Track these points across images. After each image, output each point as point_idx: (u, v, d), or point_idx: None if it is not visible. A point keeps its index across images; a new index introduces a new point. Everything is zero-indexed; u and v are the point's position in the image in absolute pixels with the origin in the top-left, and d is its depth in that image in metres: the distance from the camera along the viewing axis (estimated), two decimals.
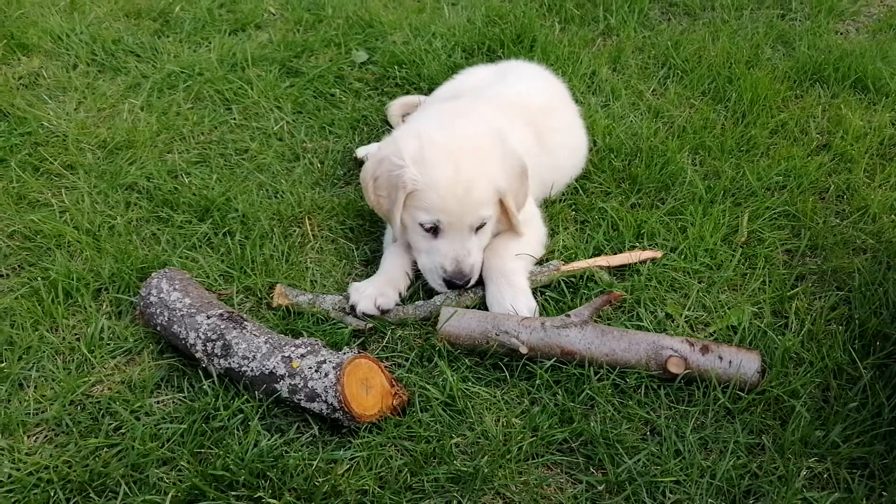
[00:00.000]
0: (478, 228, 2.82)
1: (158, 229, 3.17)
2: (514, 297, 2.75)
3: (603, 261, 2.95)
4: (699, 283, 2.96)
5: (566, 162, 3.40)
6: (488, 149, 2.83)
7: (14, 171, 3.41)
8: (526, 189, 2.93)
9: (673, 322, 2.79)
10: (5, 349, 2.62)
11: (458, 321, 2.62)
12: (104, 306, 2.82)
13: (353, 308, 2.74)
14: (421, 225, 2.79)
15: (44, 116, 3.80)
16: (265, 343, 2.45)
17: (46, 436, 2.39)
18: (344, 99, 4.10)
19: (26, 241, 3.08)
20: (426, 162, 2.74)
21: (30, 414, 2.43)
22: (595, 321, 2.65)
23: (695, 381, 2.52)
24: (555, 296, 2.86)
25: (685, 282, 2.95)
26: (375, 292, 2.76)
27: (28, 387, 2.52)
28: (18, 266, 2.99)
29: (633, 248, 3.07)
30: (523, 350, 2.55)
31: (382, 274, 2.88)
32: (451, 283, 2.80)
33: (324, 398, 2.32)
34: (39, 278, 2.88)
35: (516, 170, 2.86)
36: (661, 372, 2.52)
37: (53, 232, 3.09)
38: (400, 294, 2.85)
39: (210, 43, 4.52)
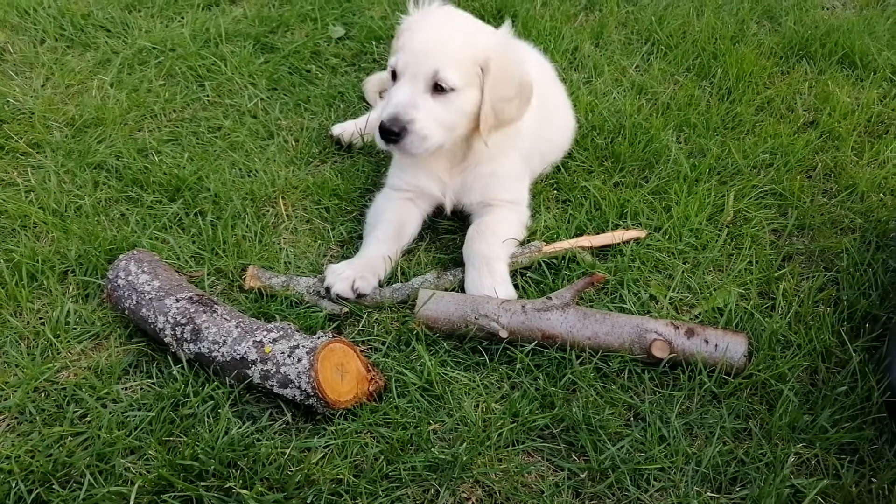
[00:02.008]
0: (436, 91, 2.64)
1: (128, 209, 3.07)
2: (493, 285, 2.65)
3: (585, 241, 2.88)
4: (684, 263, 2.89)
5: (556, 137, 3.31)
6: (491, 29, 2.79)
7: None
8: (520, 107, 2.77)
9: (657, 304, 2.73)
10: None
11: (437, 304, 2.54)
12: (70, 289, 2.72)
13: (327, 290, 2.65)
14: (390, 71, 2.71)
15: (9, 93, 3.67)
16: (236, 327, 2.37)
17: (9, 424, 2.30)
18: (320, 75, 3.99)
19: None
20: (425, 7, 2.74)
21: None
22: (577, 303, 2.58)
23: (680, 365, 2.45)
24: (536, 277, 2.79)
25: (670, 262, 2.89)
26: (354, 275, 2.66)
27: None
28: None
29: (616, 227, 3.01)
30: (503, 334, 2.48)
31: (362, 258, 2.77)
32: (382, 131, 2.61)
33: (297, 384, 2.24)
34: (3, 260, 2.77)
35: (514, 77, 2.71)
36: (645, 356, 2.46)
37: (18, 212, 2.99)
38: (379, 281, 2.74)
39: (183, 18, 4.40)
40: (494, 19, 4.33)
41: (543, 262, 2.81)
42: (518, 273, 2.79)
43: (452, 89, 2.64)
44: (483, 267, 2.71)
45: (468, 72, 2.65)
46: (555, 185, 3.26)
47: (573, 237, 2.93)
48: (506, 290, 2.66)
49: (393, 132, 2.60)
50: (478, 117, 2.72)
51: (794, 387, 2.42)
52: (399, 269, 2.84)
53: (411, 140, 2.63)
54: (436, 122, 2.65)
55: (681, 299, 2.76)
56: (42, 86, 3.80)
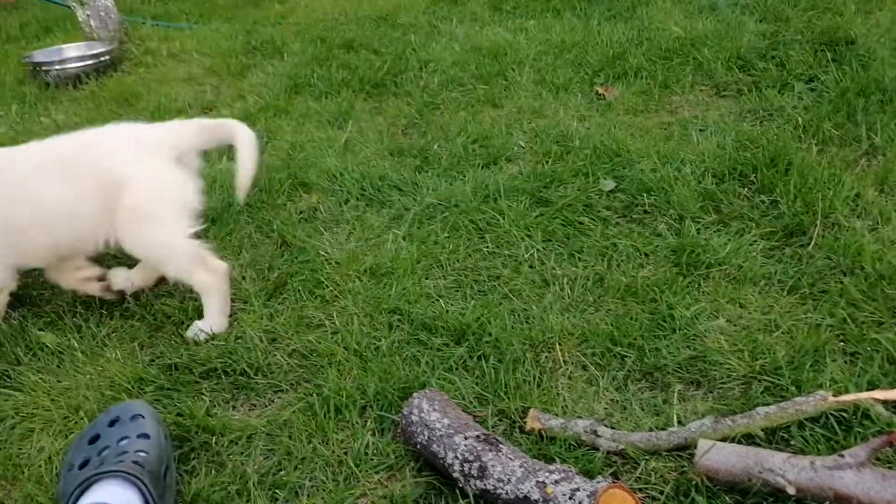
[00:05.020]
0: None
1: (418, 351, 3.35)
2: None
3: (879, 394, 2.71)
4: None
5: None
6: None
7: (296, 294, 3.79)
8: None
9: None
10: (284, 459, 2.85)
11: (717, 455, 2.50)
12: (368, 423, 2.99)
13: None
14: None
15: (320, 246, 4.20)
16: (520, 467, 2.48)
17: None
18: (592, 227, 4.17)
19: (303, 359, 3.37)
20: None
21: None
22: (873, 463, 2.43)
23: None
24: (824, 433, 2.66)
25: None
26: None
27: (302, 495, 2.70)
28: (296, 382, 3.26)
29: None
30: (790, 490, 2.38)
31: None
32: None
33: None
34: (314, 394, 3.13)
35: None
36: None
37: (326, 351, 3.37)
38: None
39: (465, 176, 4.82)
40: (767, 168, 4.33)
41: (832, 415, 2.68)
42: (804, 425, 2.68)
43: None
44: None
45: None
46: (841, 337, 3.12)
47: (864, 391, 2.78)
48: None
49: None
50: None
51: None
52: (675, 416, 2.84)
53: None
54: None
55: None
56: (346, 239, 4.31)
